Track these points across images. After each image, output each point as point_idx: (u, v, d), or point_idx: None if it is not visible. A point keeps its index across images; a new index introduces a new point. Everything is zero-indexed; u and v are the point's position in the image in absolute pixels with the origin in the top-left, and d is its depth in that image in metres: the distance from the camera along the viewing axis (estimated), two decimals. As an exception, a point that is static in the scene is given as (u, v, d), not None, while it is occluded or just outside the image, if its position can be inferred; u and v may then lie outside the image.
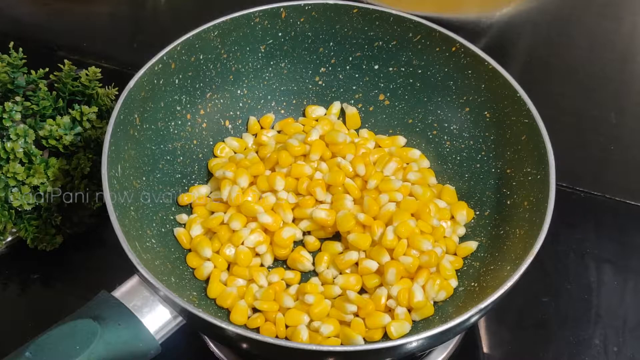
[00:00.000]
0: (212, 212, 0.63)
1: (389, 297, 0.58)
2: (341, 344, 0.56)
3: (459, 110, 0.67)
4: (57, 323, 0.49)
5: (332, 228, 0.62)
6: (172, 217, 0.63)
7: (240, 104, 0.69)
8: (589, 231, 0.73)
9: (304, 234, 0.63)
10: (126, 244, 0.51)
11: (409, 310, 0.58)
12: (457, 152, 0.67)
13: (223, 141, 0.68)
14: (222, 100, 0.68)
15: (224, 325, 0.48)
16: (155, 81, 0.62)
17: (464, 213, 0.63)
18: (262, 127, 0.70)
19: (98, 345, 0.48)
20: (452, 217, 0.64)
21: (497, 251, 0.60)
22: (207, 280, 0.60)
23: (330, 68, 0.70)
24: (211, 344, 0.64)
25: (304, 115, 0.71)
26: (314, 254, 0.62)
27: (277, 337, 0.57)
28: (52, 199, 0.66)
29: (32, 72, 0.70)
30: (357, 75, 0.70)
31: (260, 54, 0.68)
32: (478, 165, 0.65)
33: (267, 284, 0.60)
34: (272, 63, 0.69)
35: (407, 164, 0.67)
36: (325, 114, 0.70)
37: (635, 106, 0.74)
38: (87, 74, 0.70)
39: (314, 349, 0.49)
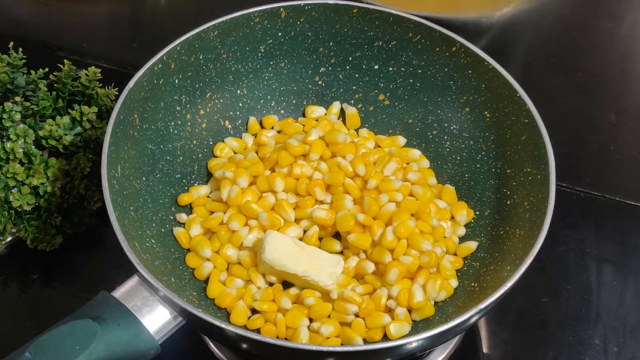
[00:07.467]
0: (212, 212, 0.63)
1: (389, 297, 0.58)
2: (341, 344, 0.56)
3: (459, 110, 0.67)
4: (57, 323, 0.49)
5: (332, 228, 0.62)
6: (171, 218, 0.63)
7: (240, 104, 0.69)
8: (589, 231, 0.73)
9: (304, 232, 0.63)
10: (126, 244, 0.51)
11: (409, 311, 0.58)
12: (457, 152, 0.67)
13: (223, 141, 0.68)
14: (221, 100, 0.68)
15: (223, 325, 0.48)
16: (155, 81, 0.62)
17: (464, 213, 0.63)
18: (263, 127, 0.70)
19: (98, 346, 0.48)
20: (452, 217, 0.64)
21: (497, 251, 0.60)
22: (206, 280, 0.60)
23: (330, 68, 0.70)
24: (211, 344, 0.64)
25: (304, 115, 0.71)
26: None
27: (277, 337, 0.57)
28: (52, 199, 0.66)
29: (32, 72, 0.70)
30: (357, 75, 0.70)
31: (260, 54, 0.68)
32: (478, 165, 0.65)
33: (266, 285, 0.60)
34: (272, 63, 0.69)
35: (407, 164, 0.67)
36: (325, 114, 0.70)
37: (635, 106, 0.74)
38: (87, 74, 0.70)
39: (314, 349, 0.49)
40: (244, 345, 0.51)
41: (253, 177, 0.63)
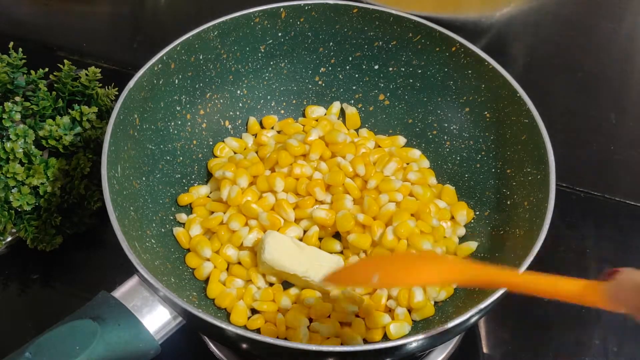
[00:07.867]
0: (212, 212, 0.63)
1: (389, 297, 0.58)
2: (341, 344, 0.56)
3: (459, 110, 0.67)
4: (57, 323, 0.49)
5: (332, 228, 0.62)
6: (171, 218, 0.63)
7: (240, 104, 0.69)
8: (589, 231, 0.73)
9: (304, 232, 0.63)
10: (126, 244, 0.51)
11: (409, 311, 0.58)
12: (457, 152, 0.67)
13: (223, 141, 0.68)
14: (221, 101, 0.68)
15: (223, 325, 0.48)
16: (155, 81, 0.62)
17: (464, 213, 0.63)
18: (263, 127, 0.70)
19: (98, 346, 0.48)
20: (452, 218, 0.64)
21: (497, 251, 0.60)
22: (206, 280, 0.60)
23: (330, 68, 0.70)
24: (211, 344, 0.64)
25: (304, 115, 0.71)
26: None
27: (277, 337, 0.57)
28: (52, 199, 0.66)
29: (32, 72, 0.70)
30: (357, 75, 0.70)
31: (260, 54, 0.68)
32: (478, 165, 0.65)
33: (266, 285, 0.60)
34: (272, 63, 0.69)
35: (407, 164, 0.67)
36: (325, 114, 0.70)
37: (635, 106, 0.74)
38: (86, 74, 0.70)
39: (314, 349, 0.49)
40: (244, 345, 0.51)
41: (253, 177, 0.63)
